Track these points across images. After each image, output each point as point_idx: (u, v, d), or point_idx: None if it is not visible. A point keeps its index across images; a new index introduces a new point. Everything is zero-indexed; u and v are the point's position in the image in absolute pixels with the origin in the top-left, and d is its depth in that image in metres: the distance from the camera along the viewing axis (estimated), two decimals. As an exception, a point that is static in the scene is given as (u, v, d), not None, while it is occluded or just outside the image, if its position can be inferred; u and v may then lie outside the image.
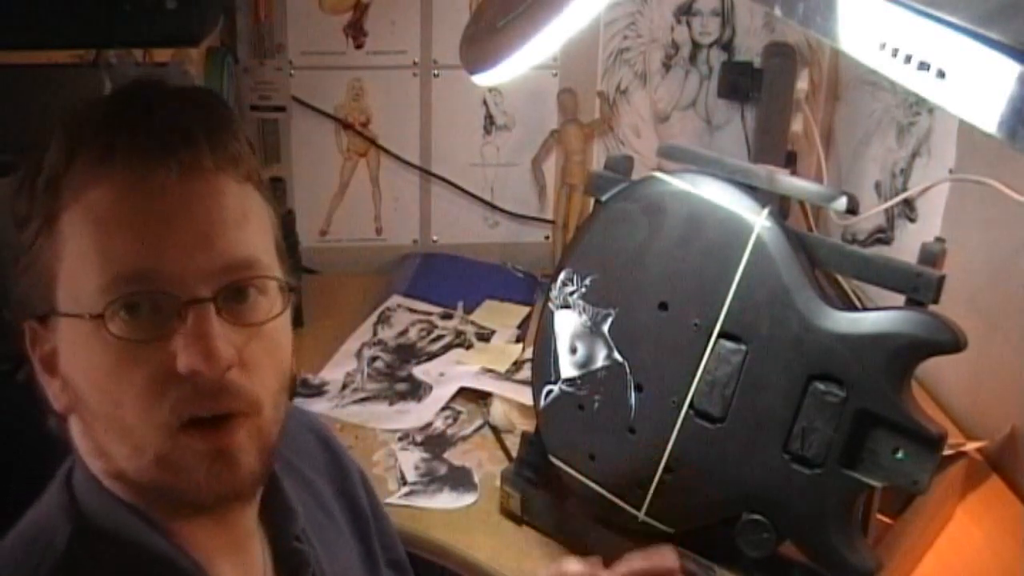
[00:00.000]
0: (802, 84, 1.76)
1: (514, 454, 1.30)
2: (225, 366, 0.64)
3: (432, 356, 1.62)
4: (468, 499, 1.28)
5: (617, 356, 1.10)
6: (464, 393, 1.51)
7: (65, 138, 0.67)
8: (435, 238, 1.98)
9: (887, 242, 1.68)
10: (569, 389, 1.14)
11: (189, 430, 0.65)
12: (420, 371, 1.57)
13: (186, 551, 0.69)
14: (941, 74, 0.54)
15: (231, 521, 0.74)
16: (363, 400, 1.49)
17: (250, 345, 0.67)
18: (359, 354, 1.61)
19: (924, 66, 0.55)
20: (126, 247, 0.64)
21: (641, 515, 1.08)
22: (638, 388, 1.09)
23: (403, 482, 1.30)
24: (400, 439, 1.40)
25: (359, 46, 1.86)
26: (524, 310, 1.78)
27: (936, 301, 0.95)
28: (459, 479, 1.32)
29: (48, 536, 0.67)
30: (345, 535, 0.89)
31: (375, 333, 1.67)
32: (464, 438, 1.42)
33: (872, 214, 1.67)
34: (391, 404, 1.49)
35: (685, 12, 1.87)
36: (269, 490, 0.77)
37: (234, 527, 0.74)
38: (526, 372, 1.47)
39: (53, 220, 0.66)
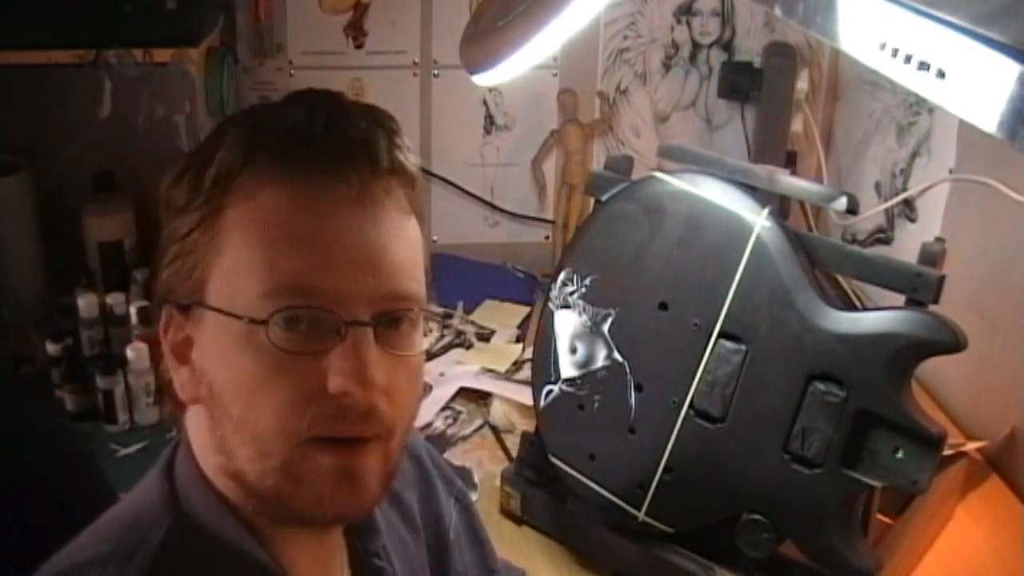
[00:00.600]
0: (802, 84, 1.76)
1: (514, 454, 1.30)
2: (377, 392, 0.65)
3: (432, 356, 1.62)
4: (468, 499, 1.28)
5: (617, 356, 1.10)
6: (464, 393, 1.51)
7: (244, 137, 0.66)
8: (435, 238, 1.98)
9: (887, 242, 1.68)
10: (569, 389, 1.14)
11: (320, 444, 0.64)
12: (420, 371, 1.57)
13: (278, 561, 0.69)
14: (941, 74, 0.55)
15: (325, 535, 0.73)
16: (363, 400, 1.49)
17: (397, 373, 0.67)
18: (359, 354, 1.60)
19: (924, 66, 0.55)
20: (294, 259, 0.64)
21: (641, 515, 1.08)
22: (638, 388, 1.09)
23: (403, 482, 1.30)
24: (400, 439, 1.40)
25: (359, 46, 1.86)
26: (524, 310, 1.78)
27: (936, 301, 0.95)
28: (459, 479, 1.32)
29: (144, 526, 0.67)
30: (423, 553, 0.88)
31: (375, 333, 1.67)
32: (464, 438, 1.42)
33: (872, 214, 1.67)
34: (391, 404, 1.48)
35: (685, 12, 1.87)
36: None
37: (327, 542, 0.74)
38: (526, 372, 1.47)
39: (216, 215, 0.65)
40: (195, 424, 0.69)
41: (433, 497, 0.91)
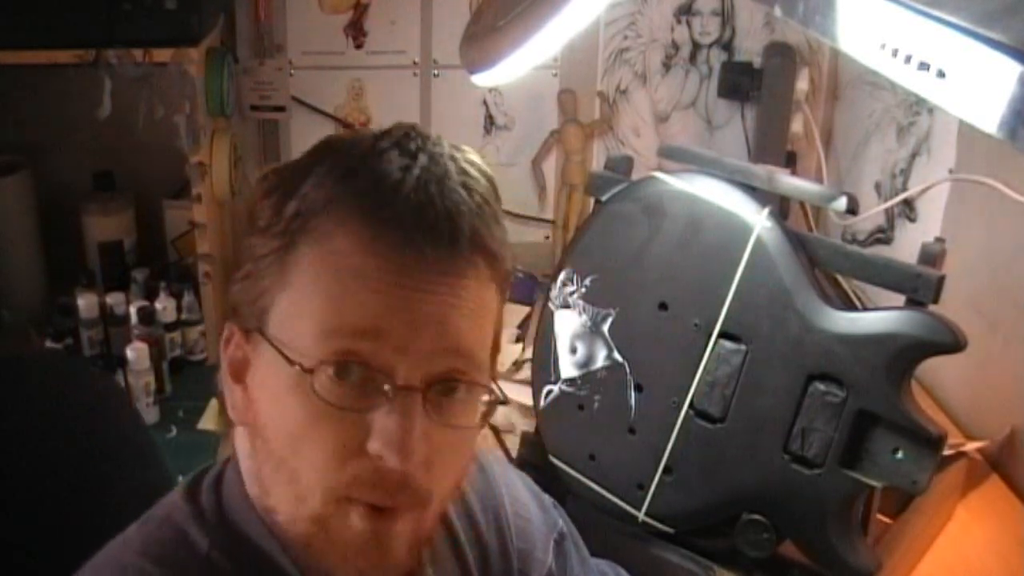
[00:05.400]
0: (802, 84, 1.76)
1: (514, 454, 1.30)
2: (416, 464, 0.63)
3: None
4: (468, 499, 1.28)
5: (617, 356, 1.10)
6: (464, 393, 1.50)
7: (333, 177, 0.65)
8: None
9: (887, 242, 1.68)
10: (569, 389, 1.14)
11: (355, 504, 0.64)
12: (420, 371, 1.56)
13: None
14: (941, 74, 0.55)
15: None
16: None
17: (443, 444, 0.65)
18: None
19: (924, 66, 0.55)
20: (355, 306, 0.62)
21: (641, 515, 1.08)
22: (638, 388, 1.09)
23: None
24: (400, 439, 1.40)
25: (359, 46, 1.86)
26: (524, 310, 1.77)
27: (936, 301, 0.95)
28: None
29: (189, 539, 0.67)
30: None
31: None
32: (464, 438, 1.42)
33: (872, 214, 1.67)
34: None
35: (685, 12, 1.87)
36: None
37: None
38: (526, 372, 1.47)
39: (290, 248, 0.64)
40: (242, 446, 0.69)
41: (497, 519, 0.85)
